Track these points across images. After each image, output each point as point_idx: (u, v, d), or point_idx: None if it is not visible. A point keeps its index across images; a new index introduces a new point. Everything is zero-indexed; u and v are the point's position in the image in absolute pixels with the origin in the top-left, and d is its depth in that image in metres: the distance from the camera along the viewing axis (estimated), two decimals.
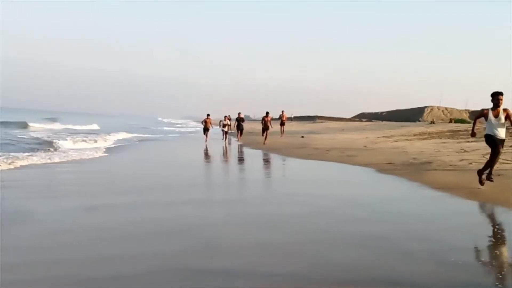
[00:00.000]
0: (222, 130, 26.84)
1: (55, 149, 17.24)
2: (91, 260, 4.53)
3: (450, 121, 56.23)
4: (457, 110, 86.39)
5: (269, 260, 4.57)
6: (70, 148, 18.45)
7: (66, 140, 21.24)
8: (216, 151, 20.54)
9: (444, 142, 19.82)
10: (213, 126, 27.11)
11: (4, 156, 13.01)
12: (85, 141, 21.86)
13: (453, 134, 24.03)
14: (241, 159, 17.79)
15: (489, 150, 14.37)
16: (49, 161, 13.42)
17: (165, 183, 10.02)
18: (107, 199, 7.88)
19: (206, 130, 26.56)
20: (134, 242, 5.20)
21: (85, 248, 4.94)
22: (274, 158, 16.99)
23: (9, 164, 11.78)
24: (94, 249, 4.91)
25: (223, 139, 25.86)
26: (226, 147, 23.13)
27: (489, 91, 9.03)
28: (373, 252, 4.85)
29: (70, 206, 7.06)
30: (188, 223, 6.19)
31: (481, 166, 9.83)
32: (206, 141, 25.32)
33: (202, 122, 27.45)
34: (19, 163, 12.14)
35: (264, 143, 23.32)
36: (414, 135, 25.96)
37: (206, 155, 19.19)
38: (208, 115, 27.04)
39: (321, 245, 5.13)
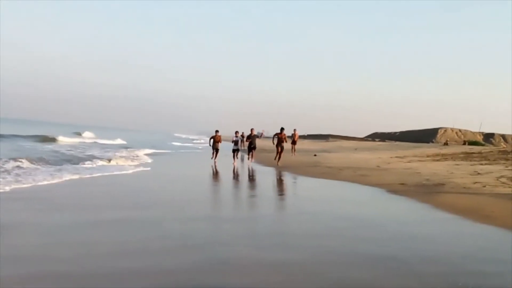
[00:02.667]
0: (235, 151, 23.58)
1: (96, 164, 17.78)
2: (99, 275, 4.62)
3: (464, 143, 55.82)
4: (471, 132, 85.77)
5: (281, 279, 4.64)
6: (116, 164, 18.95)
7: (107, 156, 21.68)
8: (227, 169, 20.21)
9: (457, 164, 19.73)
10: (221, 142, 24.24)
11: (45, 171, 13.50)
12: (124, 157, 22.11)
13: (467, 156, 23.91)
14: (252, 177, 17.82)
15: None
16: (97, 175, 13.93)
17: (178, 199, 10.16)
18: (129, 213, 8.01)
19: (215, 147, 23.62)
20: (145, 257, 5.28)
21: (92, 262, 5.03)
22: (287, 177, 17.04)
23: (52, 178, 12.15)
24: (104, 264, 5.01)
25: (233, 156, 23.19)
26: (235, 164, 21.88)
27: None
28: (384, 273, 4.90)
29: (89, 219, 7.20)
30: (200, 240, 6.24)
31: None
32: (215, 160, 23.07)
33: (210, 140, 24.32)
34: (63, 178, 12.51)
35: (277, 164, 21.80)
36: (428, 156, 25.86)
37: (217, 173, 18.77)
38: (217, 131, 24.19)
39: (333, 266, 5.19)
